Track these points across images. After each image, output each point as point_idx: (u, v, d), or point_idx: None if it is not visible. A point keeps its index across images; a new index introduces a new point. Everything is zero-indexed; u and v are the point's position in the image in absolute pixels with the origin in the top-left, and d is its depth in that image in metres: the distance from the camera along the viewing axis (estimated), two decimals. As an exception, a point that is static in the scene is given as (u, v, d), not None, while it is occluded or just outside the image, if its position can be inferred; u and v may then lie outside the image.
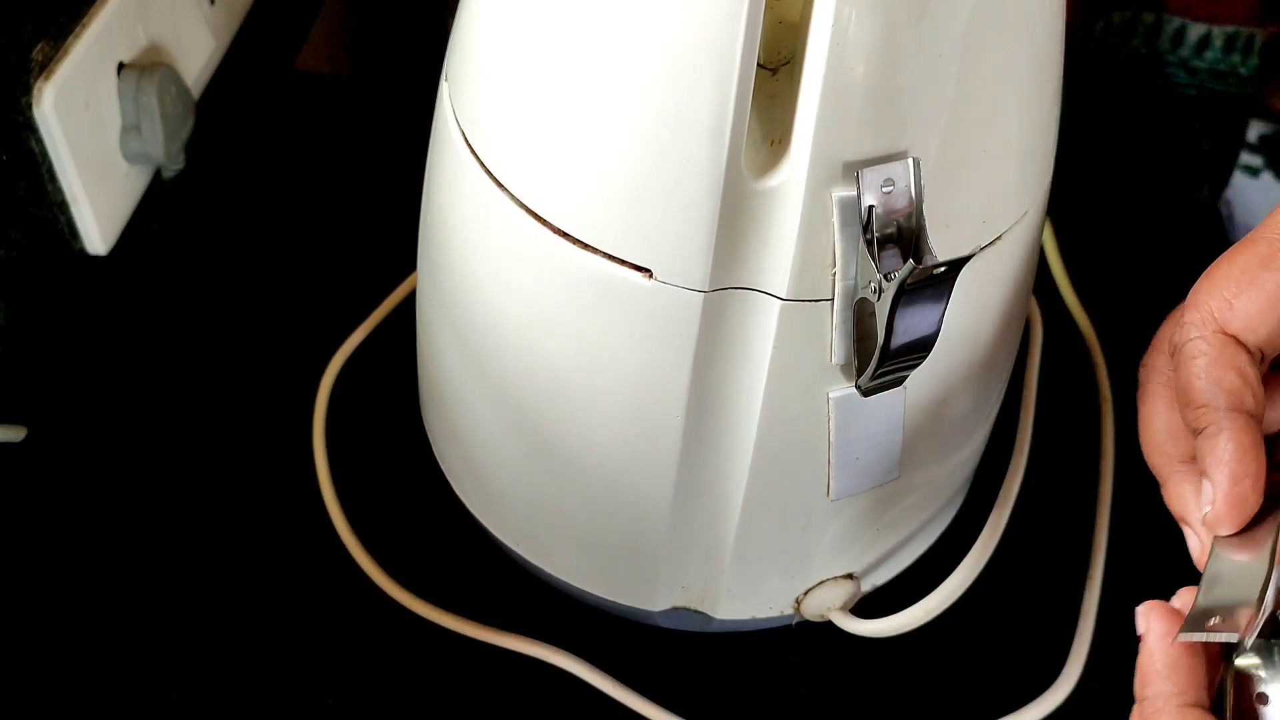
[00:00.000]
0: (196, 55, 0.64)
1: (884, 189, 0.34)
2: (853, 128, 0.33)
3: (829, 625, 0.47)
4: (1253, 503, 0.36)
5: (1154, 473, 0.40)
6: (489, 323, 0.42)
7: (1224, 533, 0.37)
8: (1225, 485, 0.36)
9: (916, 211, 0.34)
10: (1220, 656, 0.36)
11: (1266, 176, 0.73)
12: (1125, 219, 0.67)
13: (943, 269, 0.34)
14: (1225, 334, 0.37)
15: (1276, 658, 0.35)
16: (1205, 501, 0.37)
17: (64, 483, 0.53)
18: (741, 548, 0.44)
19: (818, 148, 0.33)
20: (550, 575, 0.49)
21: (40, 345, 0.56)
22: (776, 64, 0.36)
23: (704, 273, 0.36)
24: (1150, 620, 0.36)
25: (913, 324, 0.35)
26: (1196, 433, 0.37)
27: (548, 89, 0.36)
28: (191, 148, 0.61)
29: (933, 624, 0.45)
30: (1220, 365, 0.37)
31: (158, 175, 0.62)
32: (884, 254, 0.34)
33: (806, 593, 0.47)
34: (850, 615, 0.47)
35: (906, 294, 0.34)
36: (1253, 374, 0.37)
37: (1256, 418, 0.37)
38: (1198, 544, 0.38)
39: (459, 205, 0.41)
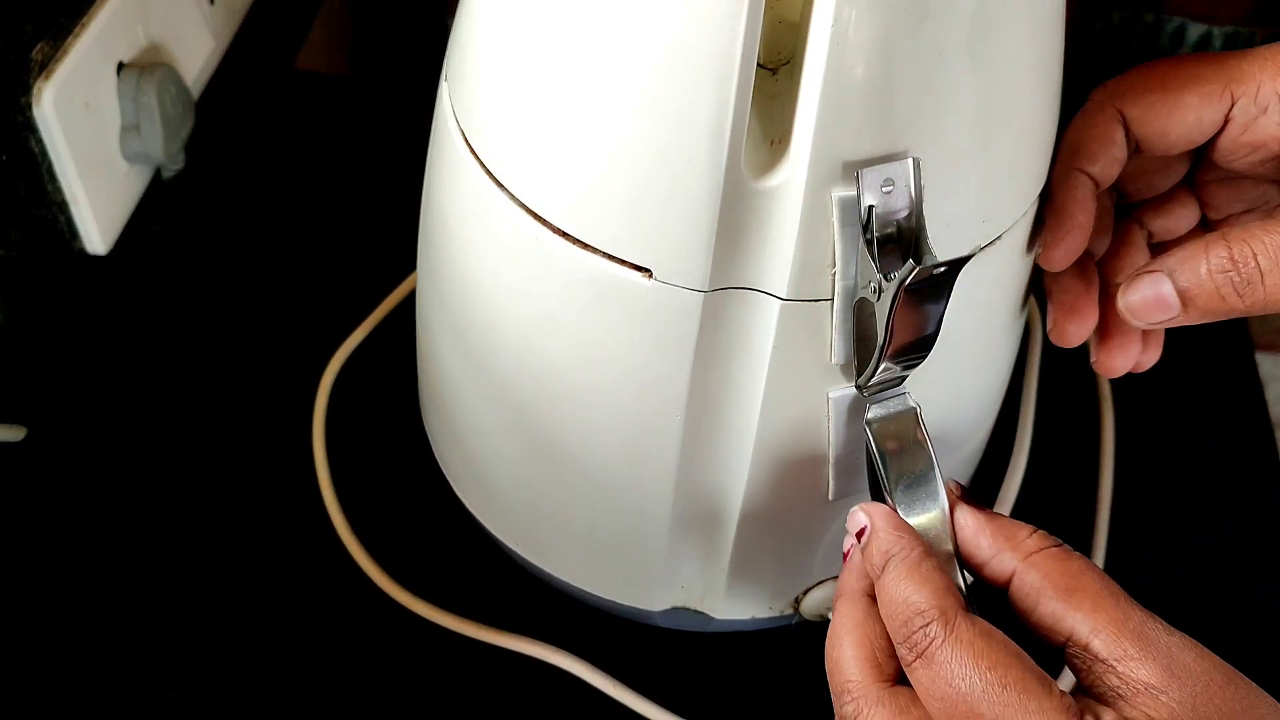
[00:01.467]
0: (196, 55, 0.64)
1: (884, 189, 0.34)
2: (853, 128, 0.33)
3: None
4: (1072, 249, 0.40)
5: None
6: (489, 323, 0.42)
7: (1048, 267, 0.41)
8: (1052, 226, 0.40)
9: (916, 211, 0.34)
10: None
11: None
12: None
13: (943, 269, 0.34)
14: (1116, 109, 0.41)
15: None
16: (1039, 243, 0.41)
17: (64, 483, 0.53)
18: (741, 548, 0.44)
19: (818, 148, 0.33)
20: (550, 575, 0.49)
21: (40, 345, 0.56)
22: (776, 64, 0.36)
23: (704, 273, 0.36)
24: (871, 513, 0.37)
25: (913, 324, 0.35)
26: None
27: (547, 89, 0.36)
28: (191, 148, 0.61)
29: (933, 624, 0.45)
30: (1091, 126, 0.41)
31: (158, 175, 0.62)
32: (884, 254, 0.34)
33: (806, 592, 0.47)
34: (850, 615, 0.47)
35: (906, 294, 0.34)
36: (1118, 151, 0.40)
37: (1096, 181, 0.41)
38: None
39: (459, 205, 0.41)
